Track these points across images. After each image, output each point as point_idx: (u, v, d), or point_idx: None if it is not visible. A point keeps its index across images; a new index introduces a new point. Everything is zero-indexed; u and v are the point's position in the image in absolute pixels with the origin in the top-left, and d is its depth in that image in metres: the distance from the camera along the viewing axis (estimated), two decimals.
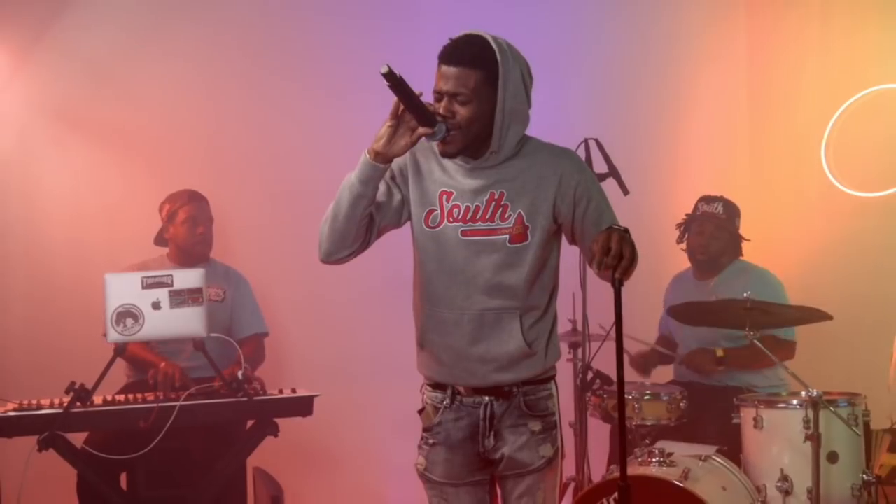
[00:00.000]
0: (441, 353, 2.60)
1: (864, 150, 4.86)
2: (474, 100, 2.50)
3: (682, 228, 4.56)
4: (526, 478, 2.60)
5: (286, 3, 4.82)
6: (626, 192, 4.10)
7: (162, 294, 3.37)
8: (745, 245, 4.53)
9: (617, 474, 2.60)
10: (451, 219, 2.56)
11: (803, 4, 5.24)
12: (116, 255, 4.23)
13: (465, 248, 2.54)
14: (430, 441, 2.64)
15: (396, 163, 2.59)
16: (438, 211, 2.58)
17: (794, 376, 3.71)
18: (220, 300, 4.15)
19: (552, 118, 5.03)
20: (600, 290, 3.60)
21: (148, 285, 3.36)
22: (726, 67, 5.53)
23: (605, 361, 3.97)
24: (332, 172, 4.81)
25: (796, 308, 3.99)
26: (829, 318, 3.84)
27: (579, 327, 4.19)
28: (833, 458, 3.60)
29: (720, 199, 4.48)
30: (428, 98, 2.56)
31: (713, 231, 4.43)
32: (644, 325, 4.70)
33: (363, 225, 2.57)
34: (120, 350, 3.43)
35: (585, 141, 4.10)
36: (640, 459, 3.63)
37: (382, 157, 2.50)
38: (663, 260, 4.88)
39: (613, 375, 2.53)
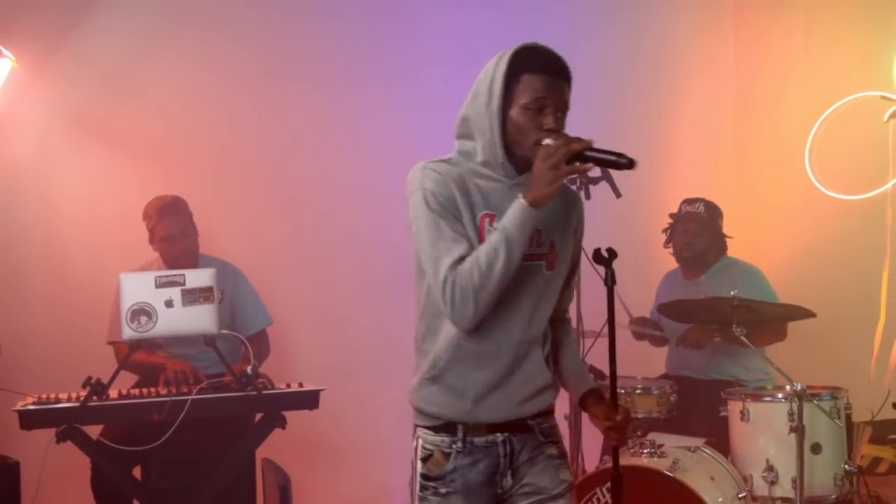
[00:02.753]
0: (467, 389, 2.29)
1: (847, 154, 4.86)
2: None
3: (668, 232, 4.58)
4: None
5: (290, 11, 4.82)
6: (618, 195, 4.11)
7: (174, 293, 3.36)
8: (732, 245, 4.54)
9: (610, 465, 2.61)
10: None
11: (788, 15, 5.24)
12: (131, 255, 4.23)
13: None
14: (443, 490, 2.30)
15: (445, 195, 2.27)
16: (476, 237, 2.27)
17: (780, 371, 3.72)
18: (219, 301, 4.09)
19: None
20: (594, 289, 3.60)
21: (161, 284, 3.36)
22: (714, 75, 5.54)
23: (598, 357, 3.98)
24: (336, 174, 4.90)
25: (781, 306, 4.00)
26: (813, 315, 3.85)
27: (573, 324, 4.19)
28: (816, 449, 3.61)
29: (701, 200, 4.52)
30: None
31: (696, 228, 4.46)
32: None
33: None
34: (134, 347, 3.44)
35: None
36: (631, 451, 3.63)
37: (541, 201, 2.22)
38: (653, 260, 4.89)
39: (606, 370, 2.52)
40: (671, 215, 4.57)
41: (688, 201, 4.53)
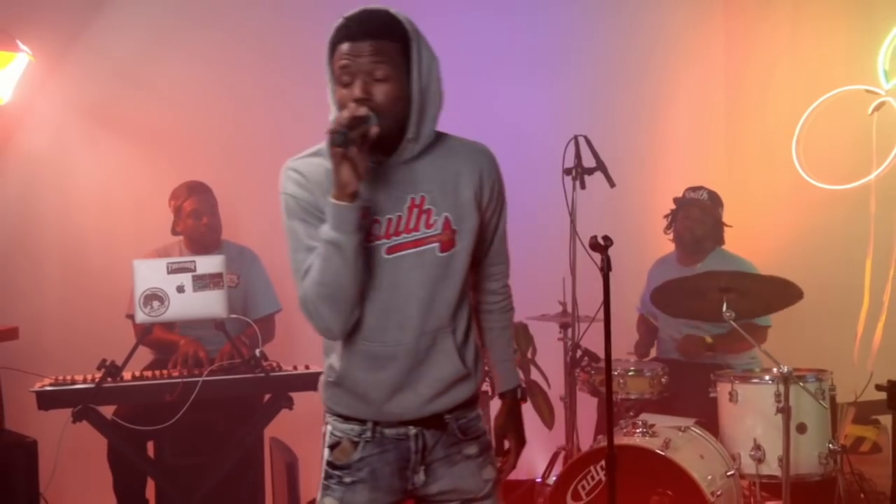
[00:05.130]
0: (369, 391, 2.07)
1: (832, 146, 4.84)
2: (393, 75, 1.99)
3: (669, 218, 4.57)
4: None
5: (295, 9, 4.80)
6: (612, 184, 4.11)
7: (185, 278, 3.37)
8: (725, 233, 4.53)
9: (604, 444, 2.62)
10: (370, 239, 2.02)
11: (776, 11, 5.22)
12: (143, 243, 4.23)
13: (394, 268, 2.02)
14: (348, 479, 2.08)
15: (306, 199, 2.04)
16: None
17: (767, 354, 3.72)
18: (235, 286, 4.10)
19: (543, 116, 5.07)
20: (589, 274, 3.60)
21: (173, 270, 3.37)
22: (705, 69, 5.52)
23: (592, 341, 3.98)
24: None
25: (768, 278, 3.93)
26: (800, 294, 3.83)
27: (569, 309, 4.19)
28: (802, 429, 3.61)
29: (703, 188, 4.50)
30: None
31: (699, 215, 4.44)
32: (628, 309, 4.70)
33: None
34: (148, 329, 3.44)
35: (575, 137, 4.11)
36: (624, 430, 3.64)
37: (351, 196, 1.95)
38: (646, 246, 4.88)
39: (600, 353, 2.52)
40: (675, 200, 4.55)
41: (692, 188, 4.51)
